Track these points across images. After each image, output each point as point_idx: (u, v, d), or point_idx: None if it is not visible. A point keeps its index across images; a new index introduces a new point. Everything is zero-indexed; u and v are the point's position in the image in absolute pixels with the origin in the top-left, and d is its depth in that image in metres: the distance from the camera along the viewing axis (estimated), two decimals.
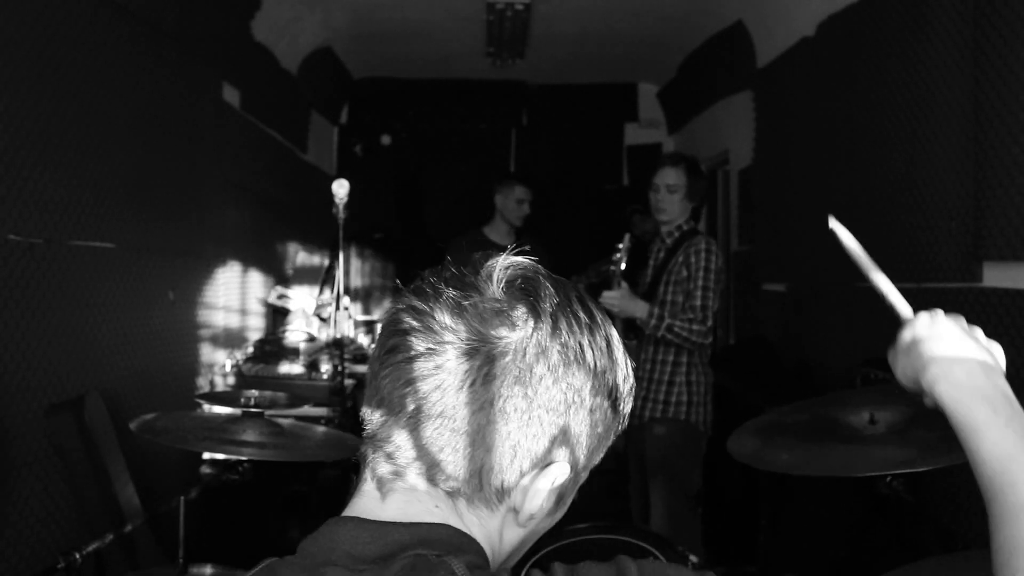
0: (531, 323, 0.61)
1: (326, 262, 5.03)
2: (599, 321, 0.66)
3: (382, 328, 0.66)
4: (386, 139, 5.95)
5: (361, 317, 5.12)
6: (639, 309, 2.82)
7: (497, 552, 0.67)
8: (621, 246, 2.88)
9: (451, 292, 0.61)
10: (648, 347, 2.97)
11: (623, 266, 2.86)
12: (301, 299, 4.40)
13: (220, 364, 3.59)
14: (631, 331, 3.13)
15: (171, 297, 3.09)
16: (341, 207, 2.92)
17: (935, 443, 1.46)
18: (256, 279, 4.14)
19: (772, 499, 2.98)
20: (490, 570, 0.62)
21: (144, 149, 2.84)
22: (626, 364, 0.68)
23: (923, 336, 0.88)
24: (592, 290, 3.61)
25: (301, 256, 4.89)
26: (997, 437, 0.75)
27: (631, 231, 3.15)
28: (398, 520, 0.62)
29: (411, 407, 0.61)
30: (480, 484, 0.62)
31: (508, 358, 0.60)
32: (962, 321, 0.89)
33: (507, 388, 0.60)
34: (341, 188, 2.91)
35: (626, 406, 0.68)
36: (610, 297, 2.81)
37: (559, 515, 0.69)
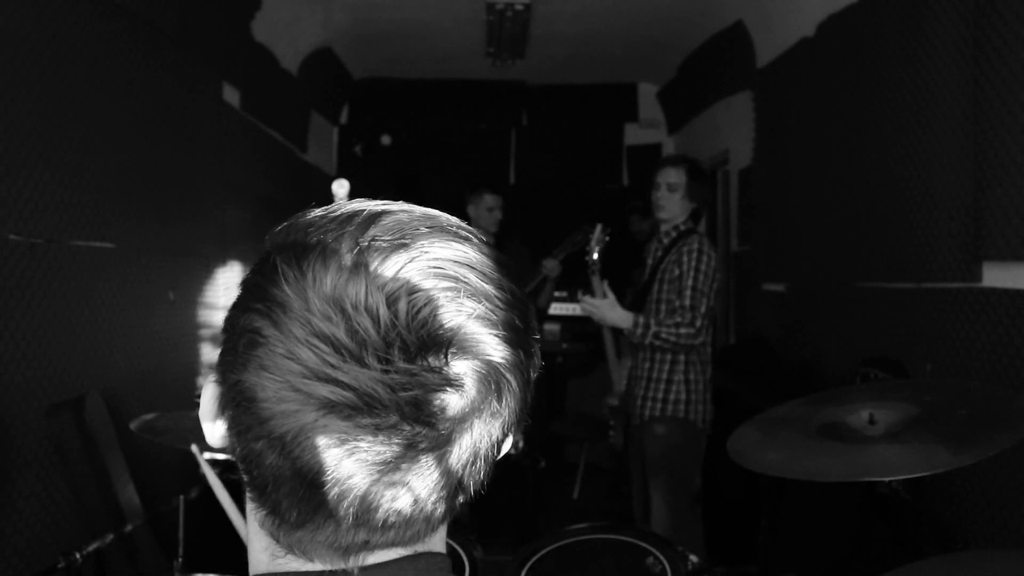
0: None
1: None
2: None
3: None
4: (386, 139, 5.96)
5: None
6: (622, 320, 2.83)
7: None
8: (592, 236, 2.93)
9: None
10: (646, 346, 2.97)
11: (596, 255, 2.90)
12: None
13: None
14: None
15: (171, 297, 3.09)
16: None
17: (934, 445, 1.46)
18: None
19: (772, 499, 2.98)
20: None
21: (144, 149, 2.84)
22: None
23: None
24: (568, 261, 3.65)
25: None
26: None
27: (628, 229, 3.17)
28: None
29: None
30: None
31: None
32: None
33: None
34: (341, 188, 2.91)
35: None
36: (590, 304, 2.84)
37: None
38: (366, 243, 0.51)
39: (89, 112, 2.46)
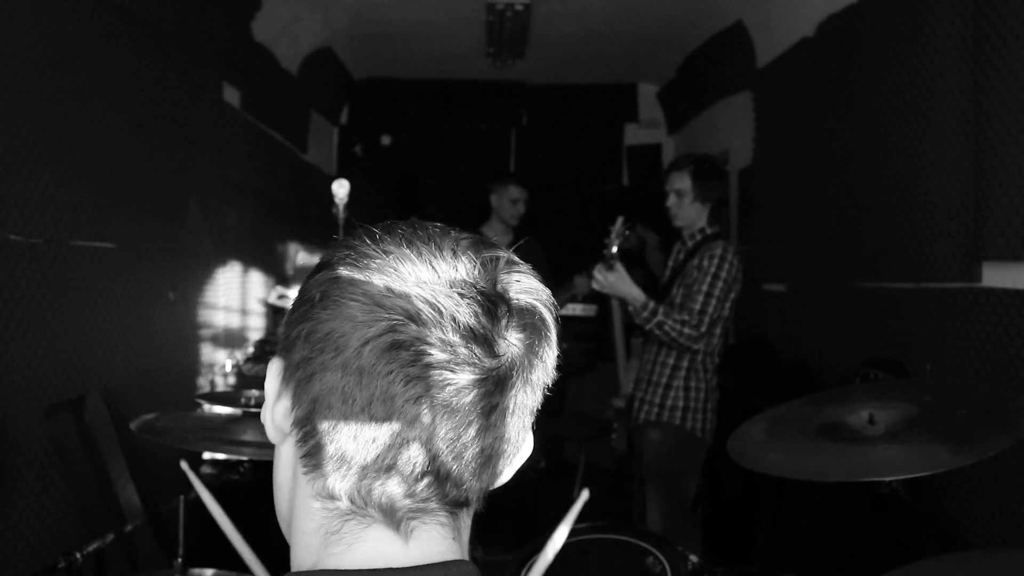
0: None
1: None
2: None
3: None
4: (386, 139, 5.95)
5: None
6: (632, 294, 2.77)
7: None
8: (613, 229, 2.88)
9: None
10: (651, 347, 2.95)
11: (615, 249, 2.84)
12: None
13: (220, 364, 3.59)
14: (636, 329, 3.13)
15: (171, 297, 3.09)
16: (341, 207, 2.92)
17: (934, 445, 1.46)
18: (256, 279, 4.14)
19: (772, 499, 2.98)
20: None
21: (144, 149, 2.84)
22: None
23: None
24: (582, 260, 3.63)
25: (301, 256, 4.89)
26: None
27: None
28: (423, 563, 0.59)
29: (427, 418, 0.56)
30: (487, 488, 0.63)
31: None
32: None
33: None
34: (341, 188, 2.91)
35: None
36: (600, 275, 2.80)
37: None
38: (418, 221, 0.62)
39: (89, 112, 2.46)
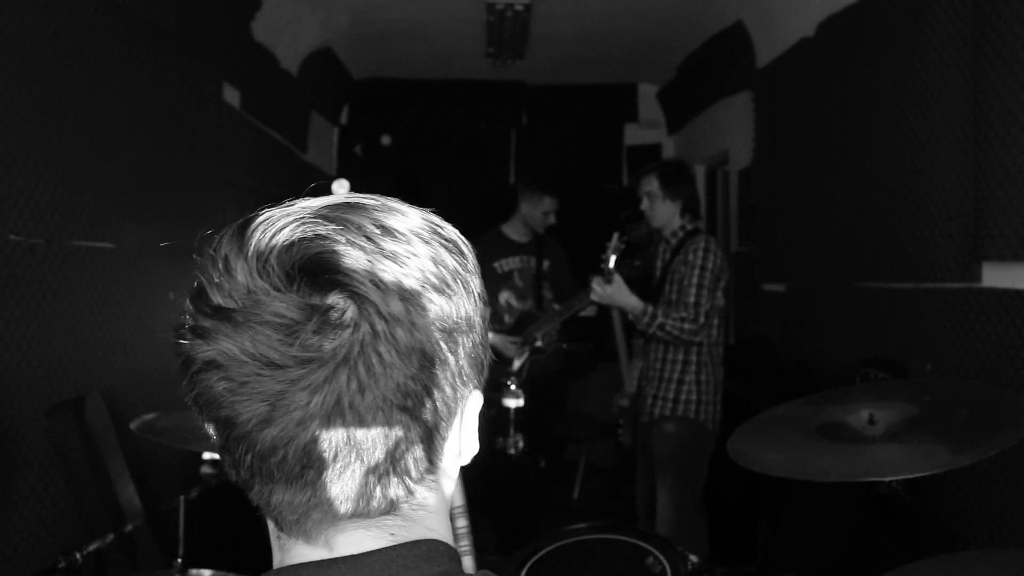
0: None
1: None
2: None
3: None
4: (386, 139, 5.95)
5: None
6: (631, 303, 2.87)
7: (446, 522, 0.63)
8: (609, 245, 2.96)
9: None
10: (658, 347, 3.01)
11: (612, 264, 2.92)
12: None
13: None
14: (635, 331, 3.15)
15: (171, 297, 3.09)
16: None
17: (934, 445, 1.46)
18: None
19: (772, 499, 2.99)
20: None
21: (144, 149, 2.84)
22: None
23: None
24: (585, 264, 3.60)
25: None
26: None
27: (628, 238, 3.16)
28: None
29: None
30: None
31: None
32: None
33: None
34: (341, 188, 2.92)
35: None
36: (599, 286, 2.89)
37: None
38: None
39: (89, 112, 2.46)
